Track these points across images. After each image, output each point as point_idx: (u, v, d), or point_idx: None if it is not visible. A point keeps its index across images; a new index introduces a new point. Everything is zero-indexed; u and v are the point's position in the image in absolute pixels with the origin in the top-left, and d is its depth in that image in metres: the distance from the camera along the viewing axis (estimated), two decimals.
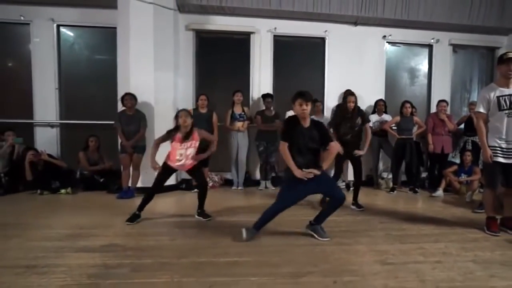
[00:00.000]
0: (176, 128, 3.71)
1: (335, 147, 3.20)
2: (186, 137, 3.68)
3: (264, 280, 2.29)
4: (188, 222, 3.72)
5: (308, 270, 2.47)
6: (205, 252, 2.80)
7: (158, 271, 2.41)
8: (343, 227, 3.62)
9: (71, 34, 6.07)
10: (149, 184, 5.20)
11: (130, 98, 4.99)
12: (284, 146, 3.10)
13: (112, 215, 3.96)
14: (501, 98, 3.30)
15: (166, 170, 3.78)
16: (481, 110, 3.41)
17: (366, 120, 4.51)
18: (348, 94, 4.38)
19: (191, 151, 3.75)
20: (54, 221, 3.68)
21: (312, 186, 3.07)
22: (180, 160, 3.71)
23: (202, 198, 3.91)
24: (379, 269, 2.52)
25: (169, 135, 3.70)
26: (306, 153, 3.10)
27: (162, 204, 4.75)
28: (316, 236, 3.22)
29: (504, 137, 3.31)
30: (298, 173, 3.02)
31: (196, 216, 3.88)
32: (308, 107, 3.02)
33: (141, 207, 3.79)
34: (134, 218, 3.70)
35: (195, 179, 4.06)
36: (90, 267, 2.46)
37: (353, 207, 4.48)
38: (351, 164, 4.62)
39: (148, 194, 3.82)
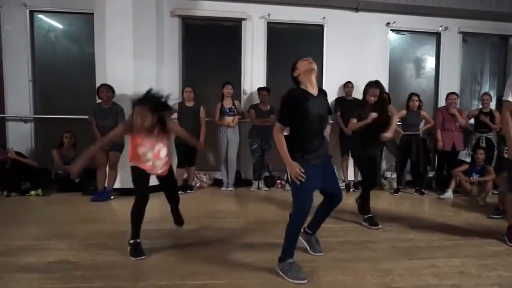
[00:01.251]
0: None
1: None
2: (148, 131, 2.69)
3: None
4: (162, 232, 3.21)
5: None
6: (170, 271, 2.32)
7: None
8: (340, 237, 3.13)
9: (46, 20, 5.54)
10: (129, 184, 4.79)
11: (106, 90, 4.52)
12: (278, 131, 2.33)
13: (78, 222, 3.47)
14: None
15: (137, 172, 2.76)
16: (510, 98, 2.91)
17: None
18: (371, 87, 3.54)
19: (160, 148, 2.76)
20: (8, 230, 3.19)
21: (319, 180, 2.40)
22: (148, 161, 2.73)
23: (176, 215, 3.15)
24: None
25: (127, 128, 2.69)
26: (317, 134, 2.41)
27: None
28: (309, 249, 2.74)
29: None
30: (293, 169, 2.25)
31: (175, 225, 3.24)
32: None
33: (138, 230, 2.71)
34: (137, 249, 2.64)
35: (165, 189, 3.05)
36: None
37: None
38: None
39: (140, 206, 2.73)
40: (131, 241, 2.65)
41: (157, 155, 2.75)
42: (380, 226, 3.45)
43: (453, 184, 5.10)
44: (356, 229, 3.42)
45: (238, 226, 3.43)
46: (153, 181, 2.95)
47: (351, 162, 5.52)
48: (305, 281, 2.20)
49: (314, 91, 2.41)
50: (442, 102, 5.82)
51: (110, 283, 2.13)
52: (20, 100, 5.39)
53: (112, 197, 4.61)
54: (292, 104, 2.33)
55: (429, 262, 2.55)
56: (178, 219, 3.23)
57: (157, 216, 3.72)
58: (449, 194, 5.00)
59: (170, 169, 2.97)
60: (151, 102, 2.57)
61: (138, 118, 2.54)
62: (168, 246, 2.85)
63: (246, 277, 2.25)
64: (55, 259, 2.50)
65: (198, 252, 2.69)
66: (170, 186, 3.06)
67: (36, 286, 2.09)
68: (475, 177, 5.07)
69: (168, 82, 5.47)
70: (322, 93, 2.57)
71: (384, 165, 5.95)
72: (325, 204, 2.68)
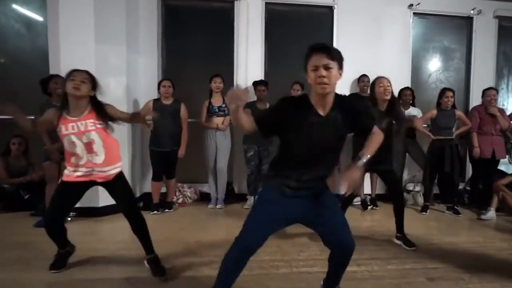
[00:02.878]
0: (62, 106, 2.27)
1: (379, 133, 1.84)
2: (76, 113, 2.24)
3: None
4: (112, 281, 2.23)
5: None
6: None
7: None
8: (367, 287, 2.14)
9: None
10: (91, 203, 3.80)
11: (60, 81, 3.50)
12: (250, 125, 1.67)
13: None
14: None
15: (65, 187, 2.31)
16: None
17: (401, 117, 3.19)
18: (379, 77, 3.09)
19: (94, 137, 2.24)
20: None
21: (305, 211, 1.75)
22: (78, 157, 2.24)
23: (142, 238, 2.41)
24: None
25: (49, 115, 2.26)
26: (313, 164, 1.70)
27: (102, 233, 3.39)
28: None
29: None
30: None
31: (146, 264, 2.41)
32: (333, 71, 1.60)
33: (60, 244, 2.44)
34: (62, 260, 2.45)
35: (118, 203, 2.47)
36: None
37: (398, 241, 3.08)
38: (382, 179, 3.27)
39: (47, 228, 2.33)
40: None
41: (89, 146, 2.23)
42: (415, 247, 2.95)
43: (495, 200, 4.12)
44: (389, 274, 2.42)
45: None
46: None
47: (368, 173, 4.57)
48: None
49: (323, 108, 1.68)
50: (475, 100, 4.90)
51: None
52: None
53: (69, 218, 3.62)
54: (284, 111, 1.67)
55: None
56: (152, 259, 2.40)
57: (118, 248, 2.78)
58: (491, 214, 4.02)
59: (120, 175, 2.40)
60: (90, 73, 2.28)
61: (70, 84, 2.15)
62: None
63: None
64: None
65: None
66: (122, 198, 2.41)
67: None
68: None
69: (144, 73, 4.56)
70: (340, 106, 1.71)
71: (405, 175, 4.96)
72: (334, 258, 1.84)
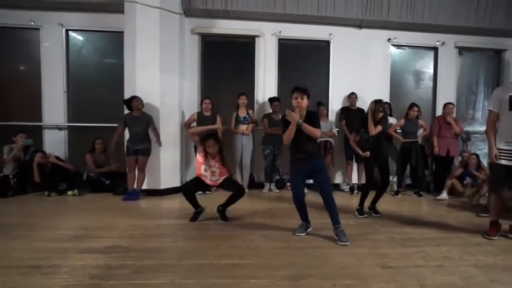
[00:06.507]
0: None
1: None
2: (210, 156, 3.93)
3: (263, 283, 2.32)
4: (191, 225, 3.77)
5: (308, 273, 2.49)
6: (206, 254, 2.84)
7: (159, 273, 2.45)
8: (345, 230, 3.60)
9: (79, 38, 6.17)
10: (155, 186, 5.37)
11: (141, 100, 5.08)
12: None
13: (117, 217, 4.01)
14: None
15: (198, 181, 3.96)
16: (491, 108, 3.41)
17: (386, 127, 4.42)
18: (378, 103, 4.18)
19: (215, 170, 3.95)
20: (59, 222, 3.75)
21: (308, 170, 3.36)
22: (205, 176, 3.94)
23: (231, 199, 4.00)
24: (379, 272, 2.53)
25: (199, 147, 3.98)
26: (305, 147, 3.31)
27: (167, 205, 4.83)
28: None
29: (509, 139, 3.27)
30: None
31: (217, 212, 4.02)
32: (304, 101, 3.22)
33: (194, 205, 3.96)
34: (196, 216, 3.94)
35: (230, 191, 4.08)
36: (93, 268, 2.51)
37: (370, 211, 4.40)
38: (378, 168, 4.39)
39: (185, 195, 3.92)
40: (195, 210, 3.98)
41: (213, 173, 3.97)
42: (380, 214, 4.31)
43: (447, 185, 5.54)
44: (359, 224, 3.91)
45: (256, 221, 3.93)
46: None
47: (355, 166, 6.02)
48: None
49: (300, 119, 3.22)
50: (439, 111, 6.28)
51: (160, 261, 2.66)
52: (56, 109, 5.99)
53: (140, 197, 5.14)
54: (282, 124, 3.39)
55: (420, 249, 3.04)
56: (223, 211, 4.04)
57: (184, 213, 4.24)
58: (444, 195, 5.45)
59: (225, 179, 4.05)
60: (215, 137, 3.97)
61: (209, 148, 3.85)
62: (199, 236, 3.38)
63: (269, 258, 2.76)
64: (109, 244, 3.04)
65: (226, 240, 3.20)
66: (229, 185, 4.08)
67: (101, 262, 2.63)
68: (467, 180, 5.56)
69: (188, 93, 6.05)
70: (309, 117, 3.30)
71: None
72: (323, 202, 3.39)
